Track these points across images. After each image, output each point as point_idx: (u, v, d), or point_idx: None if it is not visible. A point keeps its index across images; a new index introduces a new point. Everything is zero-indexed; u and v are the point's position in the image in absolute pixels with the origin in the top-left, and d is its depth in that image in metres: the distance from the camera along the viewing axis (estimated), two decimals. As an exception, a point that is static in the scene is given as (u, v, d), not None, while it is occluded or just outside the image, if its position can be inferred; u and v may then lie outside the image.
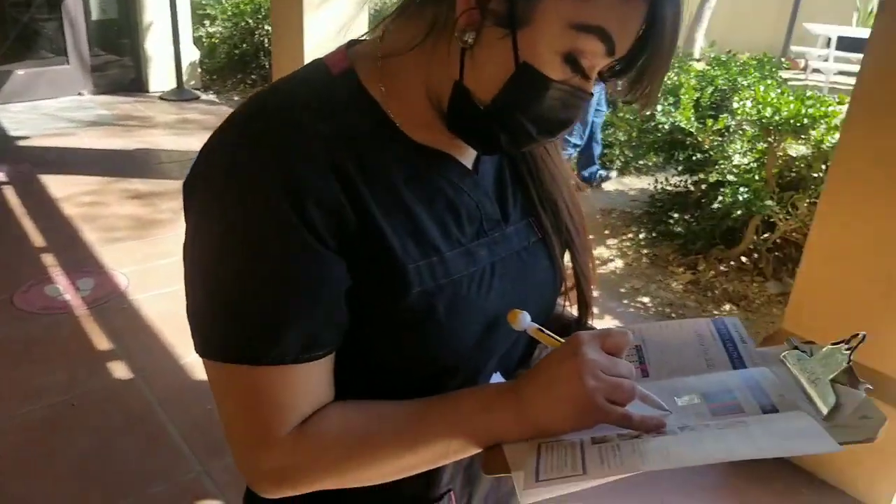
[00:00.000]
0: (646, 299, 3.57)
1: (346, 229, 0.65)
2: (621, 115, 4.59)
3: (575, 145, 4.74)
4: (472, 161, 0.77)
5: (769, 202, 3.41)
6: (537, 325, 0.73)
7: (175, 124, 6.39)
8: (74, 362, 2.94)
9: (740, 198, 3.44)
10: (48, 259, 3.79)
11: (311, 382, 0.68)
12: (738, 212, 3.51)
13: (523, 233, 0.80)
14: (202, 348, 0.66)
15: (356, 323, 0.69)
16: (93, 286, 3.53)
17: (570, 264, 0.86)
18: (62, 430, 2.55)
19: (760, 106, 3.44)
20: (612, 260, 3.99)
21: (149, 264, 3.72)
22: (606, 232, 4.32)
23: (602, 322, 3.27)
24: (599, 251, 4.07)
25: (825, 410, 0.66)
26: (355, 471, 0.69)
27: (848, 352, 0.69)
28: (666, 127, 4.07)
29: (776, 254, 3.68)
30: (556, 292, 0.85)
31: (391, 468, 0.70)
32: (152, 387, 2.79)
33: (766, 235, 3.67)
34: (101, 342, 3.08)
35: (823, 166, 3.31)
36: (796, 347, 0.75)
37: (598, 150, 5.00)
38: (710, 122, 3.88)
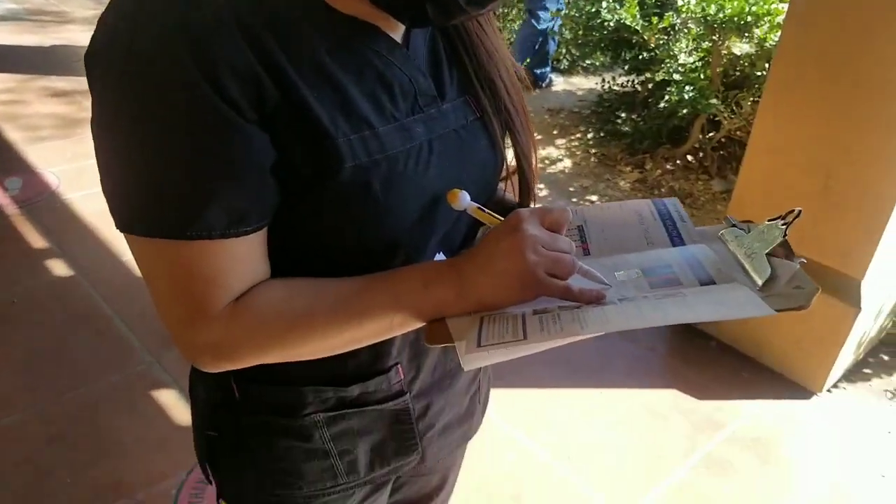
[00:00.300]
0: (594, 198, 3.62)
1: (266, 100, 0.61)
2: (566, 11, 4.50)
3: (541, 30, 4.59)
4: (400, 35, 0.73)
5: (714, 101, 3.44)
6: (477, 204, 0.72)
7: (94, 20, 5.87)
8: (11, 261, 2.84)
9: (686, 97, 3.47)
10: (-30, 160, 3.60)
11: (241, 258, 0.65)
12: (684, 111, 3.54)
13: (461, 111, 0.77)
14: (123, 224, 0.63)
15: (291, 201, 0.66)
16: (21, 185, 3.38)
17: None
18: (6, 327, 2.49)
19: (705, 3, 3.42)
20: (560, 160, 4.00)
21: (79, 163, 3.56)
22: (555, 132, 4.32)
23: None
24: (548, 151, 4.08)
25: (760, 282, 0.68)
26: (295, 345, 0.69)
27: (784, 226, 0.70)
28: (611, 24, 4.01)
29: (721, 152, 3.76)
30: (497, 173, 0.84)
31: (332, 342, 0.69)
32: (94, 284, 2.72)
33: (711, 134, 3.73)
34: (37, 241, 2.97)
35: (766, 65, 3.35)
36: (734, 225, 0.77)
37: (552, 48, 4.89)
38: (654, 19, 3.84)
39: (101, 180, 0.63)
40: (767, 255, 0.69)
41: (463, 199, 0.71)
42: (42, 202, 3.25)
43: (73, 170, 3.51)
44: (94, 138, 0.62)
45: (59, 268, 2.81)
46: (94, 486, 1.91)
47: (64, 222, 3.10)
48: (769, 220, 0.72)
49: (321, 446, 0.82)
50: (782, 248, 0.69)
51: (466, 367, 0.62)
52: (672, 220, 0.80)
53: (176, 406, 2.18)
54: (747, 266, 0.71)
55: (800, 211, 0.70)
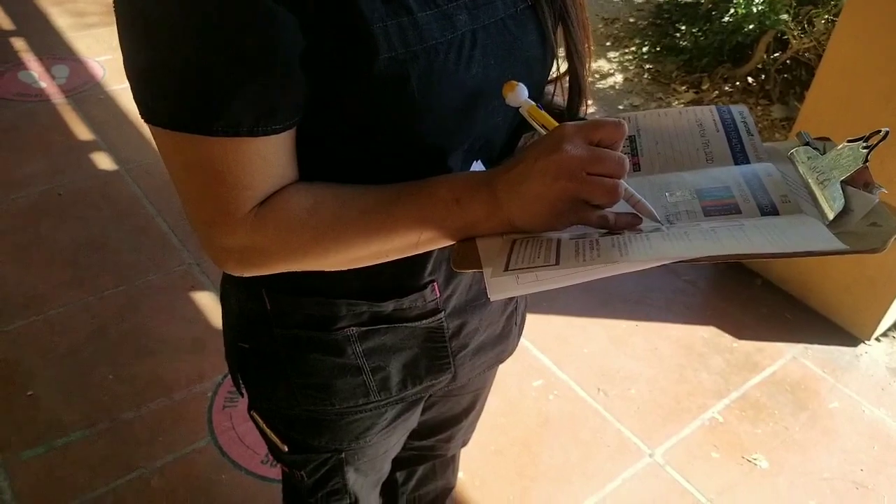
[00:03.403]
0: (645, 116, 3.48)
1: None
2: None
3: None
4: None
5: (784, 16, 3.23)
6: (533, 102, 0.65)
7: None
8: (57, 152, 2.86)
9: (754, 9, 3.25)
10: (19, 44, 3.59)
11: (269, 159, 0.61)
12: (750, 26, 3.33)
13: None
14: (147, 113, 0.59)
15: (321, 99, 0.61)
16: (68, 74, 3.37)
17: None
18: (51, 218, 2.53)
19: None
20: (612, 74, 3.84)
21: (125, 54, 3.53)
22: (608, 43, 4.13)
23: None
24: (600, 64, 3.91)
25: (832, 215, 0.60)
26: (320, 254, 0.66)
27: (866, 150, 0.60)
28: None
29: (785, 75, 3.56)
30: (546, 72, 0.77)
31: (358, 254, 0.66)
32: (137, 180, 2.74)
33: (776, 54, 3.52)
34: (82, 132, 2.99)
35: (847, -20, 3.11)
36: (808, 143, 0.68)
37: None
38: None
39: (124, 60, 0.59)
40: (842, 183, 0.61)
41: (520, 93, 0.64)
42: (88, 92, 3.24)
43: (118, 60, 3.46)
44: (115, 9, 0.58)
45: (103, 161, 2.83)
46: (134, 383, 1.98)
47: (109, 114, 3.10)
48: (849, 141, 0.63)
49: (354, 362, 0.82)
50: (861, 176, 0.60)
51: (493, 297, 0.57)
52: (737, 132, 0.71)
53: (214, 309, 2.22)
54: (818, 195, 0.62)
55: (887, 132, 0.60)
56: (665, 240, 0.57)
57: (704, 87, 3.64)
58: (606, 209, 0.60)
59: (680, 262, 0.55)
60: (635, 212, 0.62)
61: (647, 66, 3.88)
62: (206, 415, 1.90)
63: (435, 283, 0.80)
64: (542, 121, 0.65)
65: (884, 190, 0.59)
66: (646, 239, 0.58)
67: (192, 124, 0.57)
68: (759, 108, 3.51)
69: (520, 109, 0.66)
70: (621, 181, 0.59)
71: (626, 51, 4.06)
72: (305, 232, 0.64)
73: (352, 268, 0.69)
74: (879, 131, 0.61)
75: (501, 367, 1.05)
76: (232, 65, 0.55)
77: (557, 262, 0.57)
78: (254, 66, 0.56)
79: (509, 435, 1.93)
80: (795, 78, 3.52)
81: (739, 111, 0.74)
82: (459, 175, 0.67)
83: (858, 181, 0.60)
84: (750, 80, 3.63)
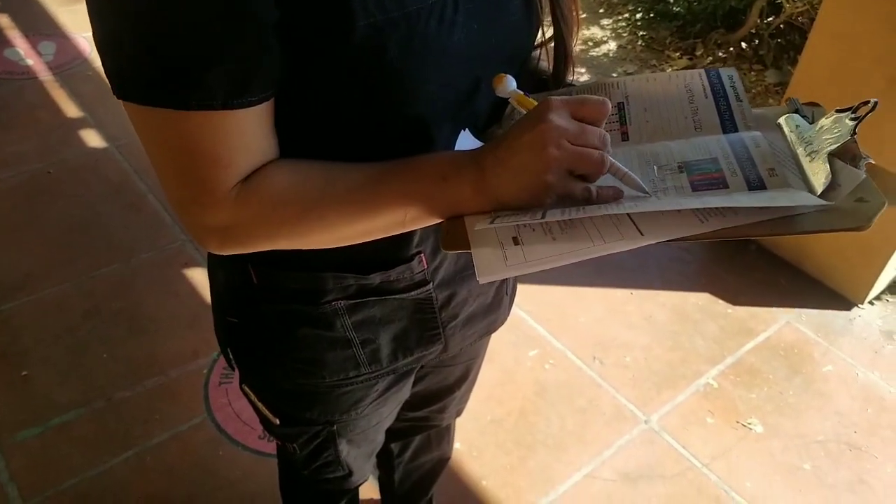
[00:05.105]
0: (638, 84, 3.45)
1: None
2: None
3: None
4: None
5: (778, -19, 3.20)
6: (521, 91, 0.65)
7: None
8: (46, 130, 2.83)
9: (748, -25, 3.21)
10: (3, 20, 3.54)
11: (246, 134, 0.60)
12: (744, -9, 3.30)
13: None
14: (118, 88, 0.57)
15: (297, 72, 0.60)
16: (55, 50, 3.33)
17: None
18: (43, 197, 2.52)
19: None
20: (605, 42, 3.80)
21: (113, 29, 3.48)
22: (601, 10, 4.08)
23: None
24: (592, 31, 3.87)
25: (819, 189, 0.59)
26: (304, 233, 0.65)
27: (854, 122, 0.59)
28: None
29: (778, 40, 3.53)
30: (531, 38, 0.75)
31: (343, 233, 0.65)
32: (128, 157, 2.71)
33: (770, 19, 3.49)
34: (71, 110, 2.95)
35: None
36: (797, 110, 0.67)
37: None
38: None
39: (94, 33, 0.57)
40: (830, 155, 0.59)
41: (509, 84, 0.65)
42: (75, 69, 3.20)
43: (104, 36, 3.44)
44: None
45: (92, 139, 2.80)
46: (129, 361, 1.98)
47: (97, 91, 3.06)
48: (837, 111, 0.62)
49: (343, 335, 0.81)
50: (848, 149, 0.58)
51: (482, 279, 0.57)
52: (726, 97, 0.70)
53: (208, 286, 2.20)
54: (806, 167, 0.61)
55: (875, 103, 0.58)
56: (653, 201, 0.58)
57: (698, 54, 3.61)
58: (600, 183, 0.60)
59: (670, 241, 0.56)
60: (617, 186, 0.62)
61: (641, 33, 3.84)
62: (203, 391, 1.90)
63: (422, 255, 0.79)
64: (530, 107, 0.65)
65: (871, 160, 0.58)
66: (632, 202, 0.58)
67: (164, 99, 0.55)
68: (752, 73, 3.48)
69: (509, 99, 0.66)
70: (606, 153, 0.59)
71: (619, 17, 4.01)
72: (289, 210, 0.63)
73: (337, 247, 0.68)
74: (867, 102, 0.59)
75: (496, 337, 1.05)
76: (204, 35, 0.54)
77: (543, 216, 0.57)
78: (227, 37, 0.54)
79: (505, 405, 1.94)
80: (789, 42, 3.49)
81: (729, 75, 0.72)
82: (446, 153, 0.67)
83: (846, 154, 0.59)
84: (744, 45, 3.59)
